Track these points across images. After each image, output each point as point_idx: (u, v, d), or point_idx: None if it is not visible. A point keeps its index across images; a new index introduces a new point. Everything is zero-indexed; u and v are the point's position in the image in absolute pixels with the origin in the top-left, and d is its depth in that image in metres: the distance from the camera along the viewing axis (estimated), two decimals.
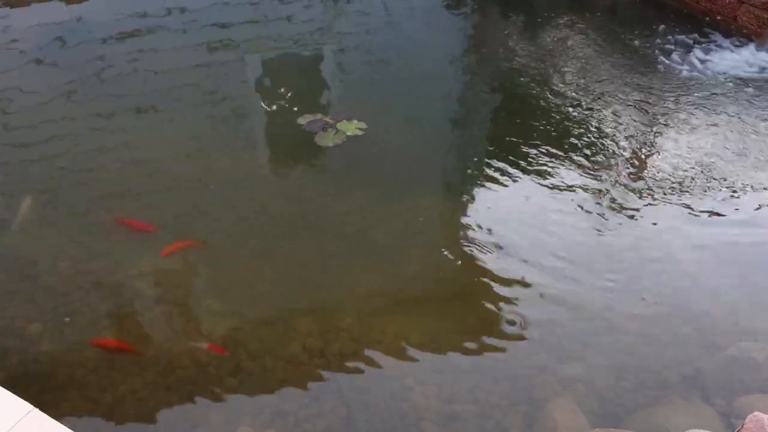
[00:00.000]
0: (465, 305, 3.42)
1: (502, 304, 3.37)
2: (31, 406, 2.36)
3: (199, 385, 2.95)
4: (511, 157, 4.36)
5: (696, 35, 5.67)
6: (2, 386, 2.45)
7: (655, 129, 4.61)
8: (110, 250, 3.57)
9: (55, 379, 2.95)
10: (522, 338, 3.21)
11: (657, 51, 5.50)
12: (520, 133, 4.61)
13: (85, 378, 2.96)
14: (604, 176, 4.19)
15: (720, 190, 4.09)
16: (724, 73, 5.21)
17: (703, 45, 5.55)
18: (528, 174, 4.21)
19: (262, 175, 4.29)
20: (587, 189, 4.09)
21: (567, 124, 4.65)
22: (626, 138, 4.52)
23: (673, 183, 4.14)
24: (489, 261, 3.59)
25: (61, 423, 2.33)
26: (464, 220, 3.87)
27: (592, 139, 4.50)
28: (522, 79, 5.19)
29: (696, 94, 4.97)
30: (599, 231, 3.81)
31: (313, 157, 4.39)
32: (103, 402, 2.88)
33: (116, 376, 2.97)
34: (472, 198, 4.03)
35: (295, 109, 4.77)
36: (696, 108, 4.82)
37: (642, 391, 2.97)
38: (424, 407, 2.88)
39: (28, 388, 2.84)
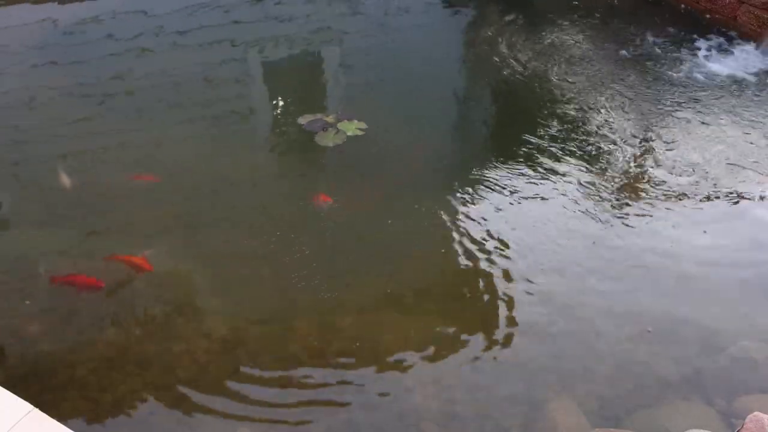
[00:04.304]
0: (465, 305, 3.42)
1: (502, 303, 3.37)
2: (31, 406, 2.36)
3: (199, 385, 2.95)
4: (511, 158, 4.36)
5: (695, 35, 5.67)
6: (2, 386, 2.45)
7: (654, 129, 4.61)
8: (109, 249, 3.57)
9: (55, 379, 2.95)
10: (522, 338, 3.21)
11: (656, 51, 5.50)
12: (520, 133, 4.60)
13: (85, 378, 2.96)
14: (605, 177, 4.19)
15: (720, 189, 4.09)
16: (724, 73, 5.21)
17: (703, 45, 5.55)
18: (528, 174, 4.21)
19: (262, 174, 4.29)
20: (588, 190, 4.09)
21: (567, 124, 4.65)
22: (626, 138, 4.51)
23: (674, 183, 4.14)
24: (489, 261, 3.59)
25: (61, 423, 2.33)
26: (464, 220, 3.87)
27: (593, 139, 4.50)
28: (521, 78, 5.19)
29: (696, 94, 4.97)
30: (601, 232, 3.81)
31: (313, 157, 4.39)
32: (103, 402, 2.88)
33: (116, 376, 2.97)
34: (472, 198, 4.03)
35: (296, 108, 4.77)
36: (696, 108, 4.82)
37: (642, 391, 2.97)
38: (424, 407, 2.88)
39: (28, 388, 2.83)
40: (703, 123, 4.65)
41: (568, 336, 3.23)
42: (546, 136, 4.52)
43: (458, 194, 4.07)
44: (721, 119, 4.69)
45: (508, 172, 4.22)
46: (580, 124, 4.64)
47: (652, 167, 4.27)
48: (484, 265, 3.57)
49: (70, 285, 3.36)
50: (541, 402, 2.90)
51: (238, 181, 4.11)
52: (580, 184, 4.12)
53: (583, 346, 3.19)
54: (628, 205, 3.99)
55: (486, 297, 3.41)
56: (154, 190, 4.00)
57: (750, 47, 5.52)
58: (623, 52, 5.49)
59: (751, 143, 4.47)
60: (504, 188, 4.10)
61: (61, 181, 3.98)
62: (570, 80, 5.11)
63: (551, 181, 4.15)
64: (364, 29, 5.99)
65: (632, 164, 4.30)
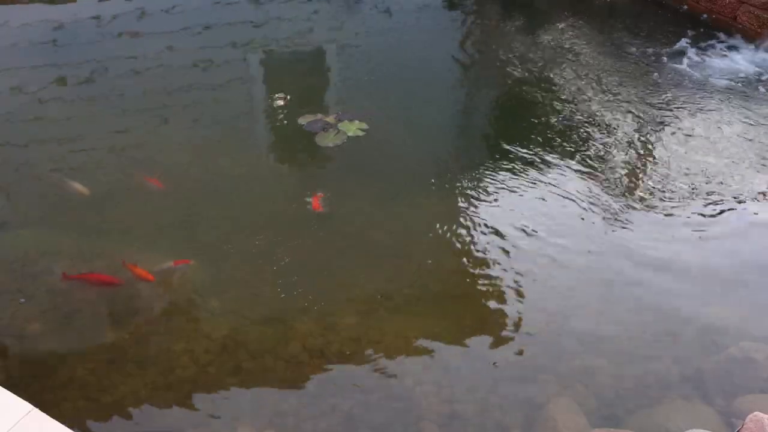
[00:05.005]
0: (465, 305, 3.42)
1: (501, 304, 3.37)
2: (31, 406, 2.36)
3: (199, 385, 2.95)
4: (510, 158, 4.36)
5: (695, 35, 5.67)
6: (2, 386, 2.45)
7: (654, 129, 4.61)
8: (109, 250, 3.57)
9: (55, 379, 2.95)
10: (522, 338, 3.21)
11: (656, 51, 5.50)
12: (520, 133, 4.61)
13: (85, 378, 2.96)
14: (605, 178, 4.19)
15: (720, 190, 4.09)
16: (724, 73, 5.21)
17: (703, 45, 5.55)
18: (527, 175, 4.21)
19: (262, 174, 4.29)
20: (588, 190, 4.09)
21: (564, 126, 4.64)
22: (625, 138, 4.52)
23: (674, 184, 4.14)
24: (488, 261, 3.59)
25: (61, 423, 2.33)
26: (464, 220, 3.87)
27: (592, 140, 4.50)
28: (522, 79, 5.19)
29: (695, 94, 4.97)
30: (601, 232, 3.81)
31: (314, 157, 4.40)
32: (103, 402, 2.88)
33: (116, 376, 2.97)
34: (473, 198, 4.03)
35: (296, 109, 4.77)
36: (695, 108, 4.82)
37: (642, 391, 2.97)
38: (424, 407, 2.87)
39: (28, 388, 2.84)
40: (702, 123, 4.65)
41: (568, 336, 3.22)
42: (545, 137, 4.52)
43: (458, 195, 4.07)
44: (721, 119, 4.69)
45: (507, 174, 4.22)
46: (578, 126, 4.64)
47: (650, 170, 4.27)
48: (483, 265, 3.57)
49: (86, 282, 3.36)
50: (541, 402, 2.90)
51: (239, 182, 4.12)
52: (579, 185, 4.12)
53: (584, 346, 3.19)
54: (626, 208, 3.99)
55: (485, 297, 3.41)
56: (155, 191, 4.00)
57: (750, 47, 5.53)
58: (622, 53, 5.49)
59: (750, 142, 4.47)
60: (502, 190, 4.10)
61: (61, 181, 3.98)
62: (569, 81, 5.11)
63: (549, 182, 4.15)
64: (365, 30, 5.99)
65: (630, 168, 4.30)
